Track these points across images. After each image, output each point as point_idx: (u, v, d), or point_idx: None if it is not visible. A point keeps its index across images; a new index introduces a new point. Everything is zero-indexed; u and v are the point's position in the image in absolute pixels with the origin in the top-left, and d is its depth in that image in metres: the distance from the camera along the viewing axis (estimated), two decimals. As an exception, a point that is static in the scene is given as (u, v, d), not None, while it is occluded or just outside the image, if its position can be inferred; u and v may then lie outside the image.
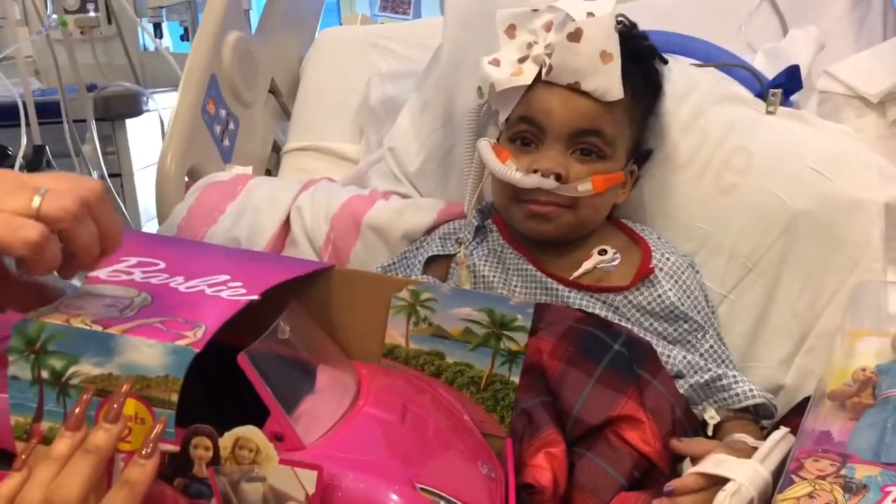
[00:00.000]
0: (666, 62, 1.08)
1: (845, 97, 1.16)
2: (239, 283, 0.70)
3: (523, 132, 0.99)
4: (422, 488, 0.63)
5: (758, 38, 1.30)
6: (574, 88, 0.95)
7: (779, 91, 1.08)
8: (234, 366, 0.64)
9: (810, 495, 0.62)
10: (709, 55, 1.15)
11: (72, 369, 0.60)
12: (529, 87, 0.98)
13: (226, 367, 0.67)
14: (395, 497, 0.61)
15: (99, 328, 0.60)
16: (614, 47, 0.93)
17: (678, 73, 1.09)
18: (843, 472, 0.63)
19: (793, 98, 1.13)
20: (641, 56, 1.03)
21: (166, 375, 0.59)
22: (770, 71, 1.14)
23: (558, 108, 0.96)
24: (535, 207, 0.97)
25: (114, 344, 0.59)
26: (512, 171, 0.96)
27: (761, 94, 1.09)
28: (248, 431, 0.58)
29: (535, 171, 0.95)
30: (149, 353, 0.59)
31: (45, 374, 0.60)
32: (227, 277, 0.71)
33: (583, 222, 0.99)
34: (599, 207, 1.01)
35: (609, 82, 0.94)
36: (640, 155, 1.06)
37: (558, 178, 0.95)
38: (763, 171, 1.04)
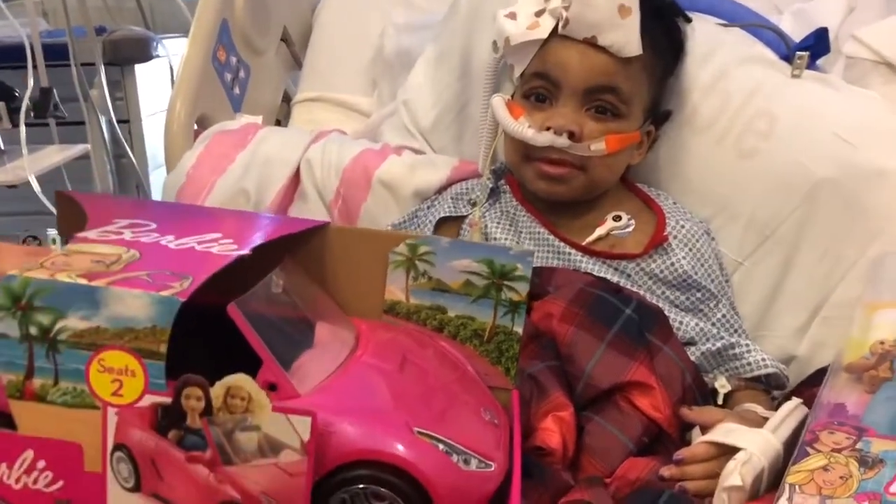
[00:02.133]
0: (689, 20, 1.05)
1: (872, 63, 1.13)
2: (230, 240, 0.69)
3: (537, 88, 0.97)
4: (419, 432, 0.63)
5: (785, -1, 1.27)
6: (591, 43, 0.93)
7: (805, 54, 1.05)
8: (231, 331, 0.63)
9: (825, 468, 0.61)
10: (735, 15, 1.11)
11: (59, 324, 0.59)
12: (545, 42, 0.96)
13: (223, 332, 0.67)
14: (392, 442, 0.61)
15: (84, 281, 0.59)
16: (633, 1, 0.91)
17: (702, 33, 1.06)
18: (858, 445, 0.63)
19: (819, 62, 1.10)
20: (664, 12, 1.00)
21: (153, 326, 0.58)
22: (796, 33, 1.11)
23: (574, 63, 0.94)
24: (547, 168, 0.95)
25: (99, 297, 0.59)
26: (524, 128, 0.95)
27: (787, 57, 1.07)
28: (239, 380, 0.57)
29: (548, 129, 0.93)
30: (135, 304, 0.59)
31: (32, 330, 0.59)
32: (218, 235, 0.70)
33: (595, 183, 0.98)
34: (613, 167, 0.99)
35: (627, 37, 0.92)
36: (659, 116, 1.03)
37: (571, 136, 0.93)
38: (786, 137, 1.01)
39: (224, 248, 0.67)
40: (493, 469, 0.64)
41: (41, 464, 0.61)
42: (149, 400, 0.59)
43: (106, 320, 0.59)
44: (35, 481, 0.61)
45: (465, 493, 0.62)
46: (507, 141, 1.00)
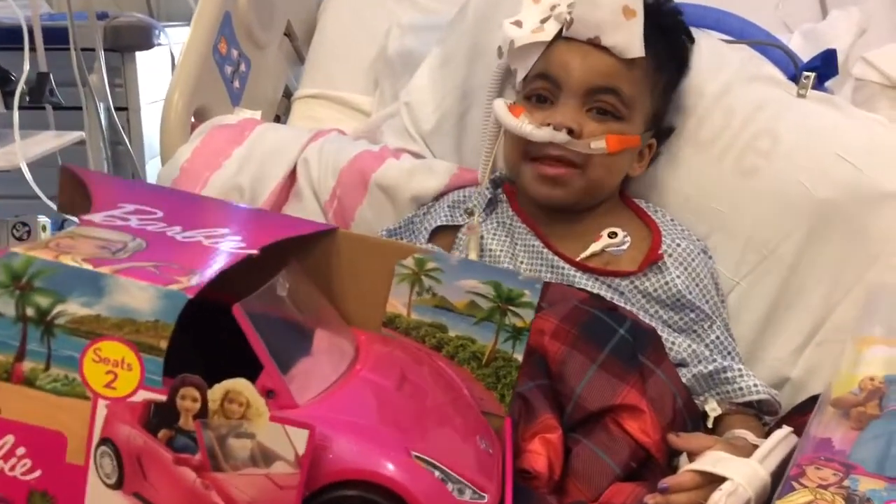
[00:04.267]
0: (693, 41, 1.04)
1: (881, 86, 1.12)
2: (238, 238, 0.68)
3: (539, 89, 0.97)
4: (417, 456, 0.61)
5: (795, 17, 1.26)
6: (594, 44, 0.93)
7: (812, 74, 1.04)
8: (229, 328, 0.61)
9: (810, 504, 0.60)
10: (744, 32, 1.10)
11: (58, 308, 0.58)
12: (549, 45, 0.95)
13: (220, 330, 0.65)
14: (388, 464, 0.60)
15: (89, 267, 0.58)
16: (637, 4, 0.92)
17: (708, 49, 1.06)
18: (846, 482, 0.62)
19: (827, 84, 1.09)
20: (668, 29, 1.00)
21: (156, 320, 0.57)
22: (806, 53, 1.10)
23: (576, 63, 0.94)
24: (546, 169, 0.95)
25: (103, 284, 0.58)
26: (524, 124, 0.94)
27: (795, 77, 1.06)
28: (239, 384, 0.56)
29: (548, 125, 0.92)
30: (139, 295, 0.57)
31: (29, 311, 0.58)
32: (226, 231, 0.69)
33: (594, 185, 0.97)
34: (612, 170, 0.98)
35: (629, 38, 0.92)
36: (661, 131, 1.02)
37: (571, 133, 0.92)
38: (788, 156, 1.00)
39: (232, 245, 0.66)
40: (486, 501, 0.63)
41: (21, 450, 0.60)
42: (142, 396, 0.58)
43: (107, 309, 0.58)
44: (12, 468, 0.60)
45: None
46: (507, 141, 1.00)
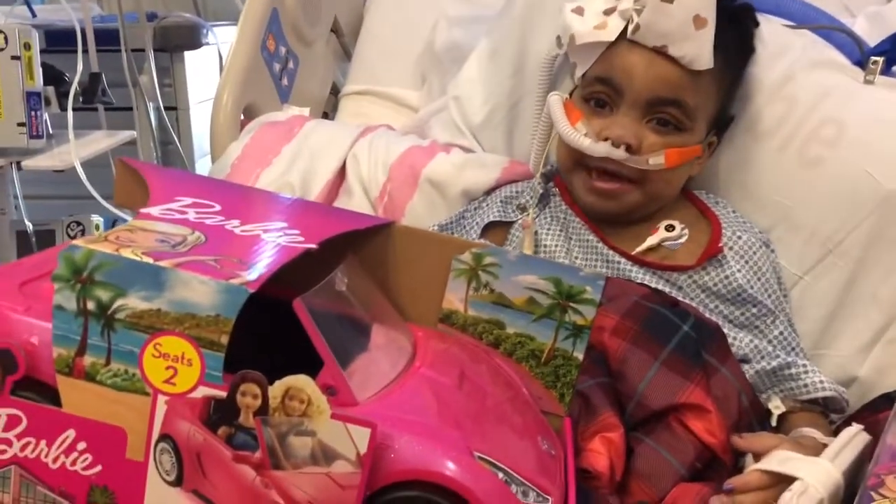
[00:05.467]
0: (758, 24, 1.00)
1: (952, 69, 1.06)
2: (296, 231, 0.67)
3: (599, 93, 0.93)
4: (480, 457, 0.60)
5: (857, 1, 1.21)
6: (660, 52, 0.89)
7: (880, 59, 1.00)
8: (283, 323, 0.60)
9: (893, 515, 0.57)
10: (806, 16, 1.06)
11: (118, 302, 0.57)
12: (612, 44, 0.92)
13: (274, 324, 0.65)
14: (451, 464, 0.57)
15: (149, 260, 0.57)
16: (709, 12, 0.87)
17: (769, 35, 1.02)
18: (931, 489, 0.58)
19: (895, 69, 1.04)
20: (738, 17, 0.96)
21: (217, 315, 0.56)
22: (872, 37, 1.05)
23: (640, 71, 0.90)
24: (599, 184, 0.92)
25: (164, 278, 0.57)
26: (580, 136, 0.91)
27: (861, 62, 1.02)
28: (300, 381, 0.55)
29: (606, 139, 0.90)
30: (200, 289, 0.56)
31: (90, 305, 0.57)
32: (283, 224, 0.68)
33: (652, 199, 0.94)
34: (671, 181, 0.95)
35: (699, 50, 0.88)
36: (722, 123, 0.99)
37: (629, 148, 0.89)
38: (855, 145, 0.97)
39: (290, 240, 0.65)
40: None
41: (82, 445, 0.60)
42: (202, 392, 0.57)
43: (168, 303, 0.57)
44: (73, 462, 0.60)
45: None
46: (562, 144, 0.97)
